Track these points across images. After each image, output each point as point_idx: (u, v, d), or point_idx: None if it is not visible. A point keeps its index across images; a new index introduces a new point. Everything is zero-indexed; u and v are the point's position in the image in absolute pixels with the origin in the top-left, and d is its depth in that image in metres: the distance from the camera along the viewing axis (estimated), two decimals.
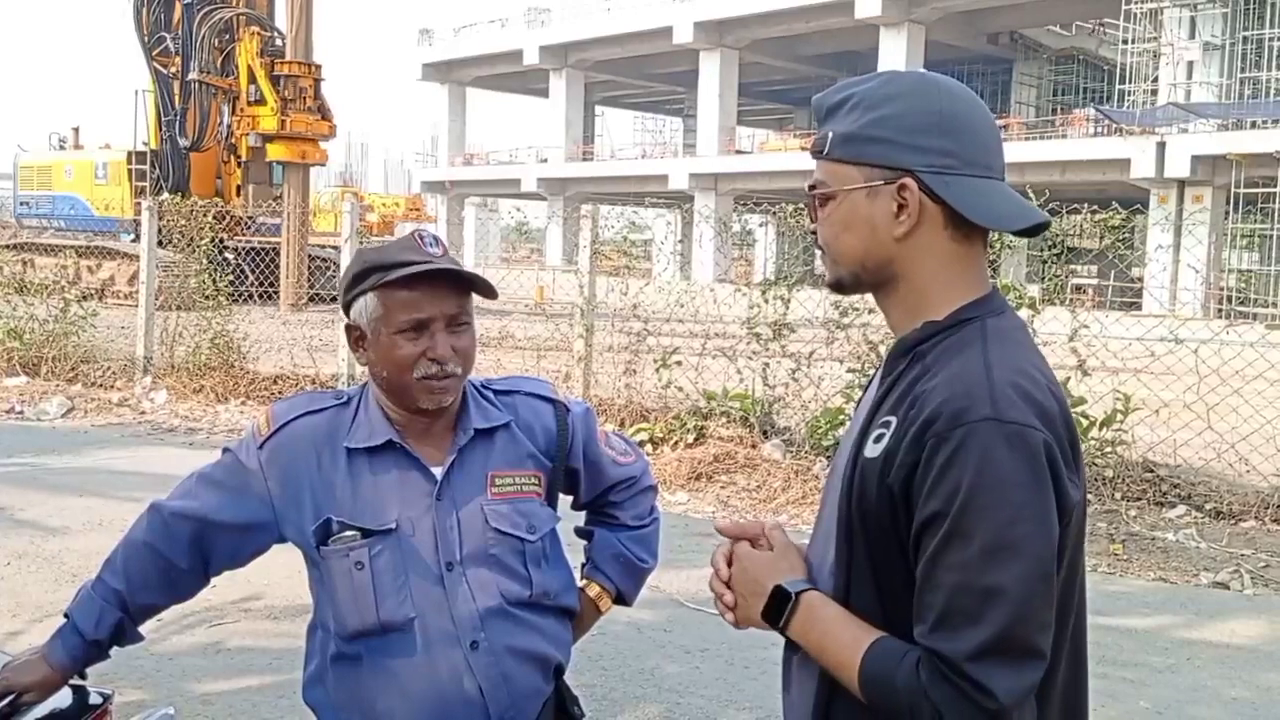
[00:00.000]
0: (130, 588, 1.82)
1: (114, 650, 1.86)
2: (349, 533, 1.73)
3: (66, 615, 1.82)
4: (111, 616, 1.81)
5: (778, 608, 1.38)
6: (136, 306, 11.62)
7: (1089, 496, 6.93)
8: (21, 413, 9.83)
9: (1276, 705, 4.23)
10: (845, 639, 1.32)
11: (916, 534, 1.27)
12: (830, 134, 1.39)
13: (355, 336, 1.79)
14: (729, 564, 1.47)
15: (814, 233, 1.45)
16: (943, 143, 1.35)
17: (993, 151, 1.39)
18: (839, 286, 1.46)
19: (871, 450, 1.33)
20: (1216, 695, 4.29)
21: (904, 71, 1.46)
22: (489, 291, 1.81)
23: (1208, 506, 6.91)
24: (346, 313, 1.80)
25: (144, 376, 10.99)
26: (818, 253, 1.46)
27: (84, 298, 12.57)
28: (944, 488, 1.23)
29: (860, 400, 1.55)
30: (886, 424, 1.33)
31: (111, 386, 10.98)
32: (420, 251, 1.74)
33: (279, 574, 5.14)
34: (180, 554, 1.82)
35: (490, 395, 1.87)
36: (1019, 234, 1.41)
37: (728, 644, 4.61)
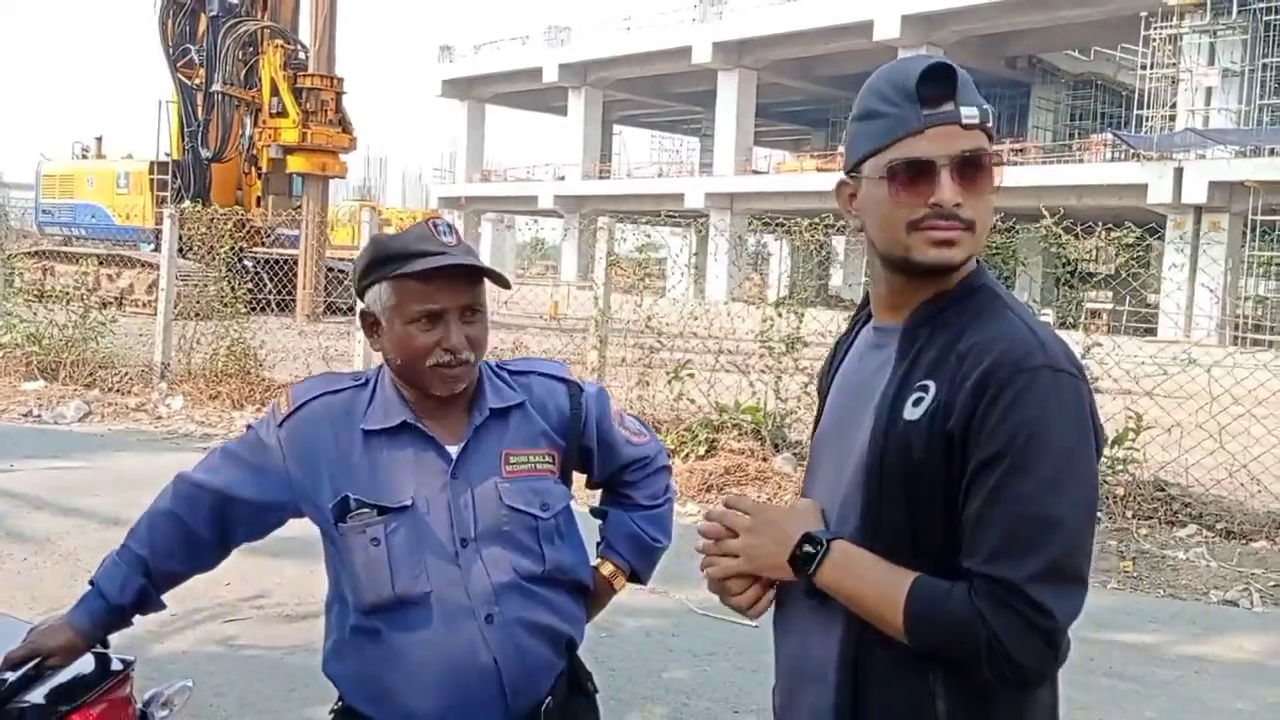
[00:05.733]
0: (154, 555, 1.87)
1: (136, 618, 1.91)
2: (366, 510, 1.77)
3: (92, 582, 1.88)
4: (135, 583, 1.86)
5: (806, 555, 1.42)
6: (154, 315, 11.72)
7: (1099, 515, 6.98)
8: (39, 416, 9.92)
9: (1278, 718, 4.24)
10: (885, 581, 1.37)
11: (973, 473, 1.33)
12: (989, 110, 1.43)
13: (370, 323, 1.83)
14: (749, 514, 1.49)
15: (958, 206, 1.41)
16: None
17: None
18: (957, 266, 1.45)
19: (912, 413, 1.39)
20: (1220, 707, 4.30)
21: None
22: (502, 281, 1.86)
23: (1219, 526, 6.90)
24: (360, 298, 1.84)
25: (161, 382, 11.09)
26: (936, 237, 1.40)
27: (103, 305, 12.67)
28: (1006, 428, 1.31)
29: (836, 365, 1.61)
30: (925, 387, 1.39)
31: (129, 392, 11.07)
32: (434, 241, 1.77)
33: (289, 573, 5.20)
34: (202, 524, 1.88)
35: (505, 376, 1.92)
36: None
37: (735, 648, 4.64)
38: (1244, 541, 6.72)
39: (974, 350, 1.36)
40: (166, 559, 1.88)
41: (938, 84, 1.40)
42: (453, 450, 1.82)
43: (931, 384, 1.39)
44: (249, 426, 1.94)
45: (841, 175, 1.53)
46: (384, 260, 1.78)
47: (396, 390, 1.85)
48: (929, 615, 1.32)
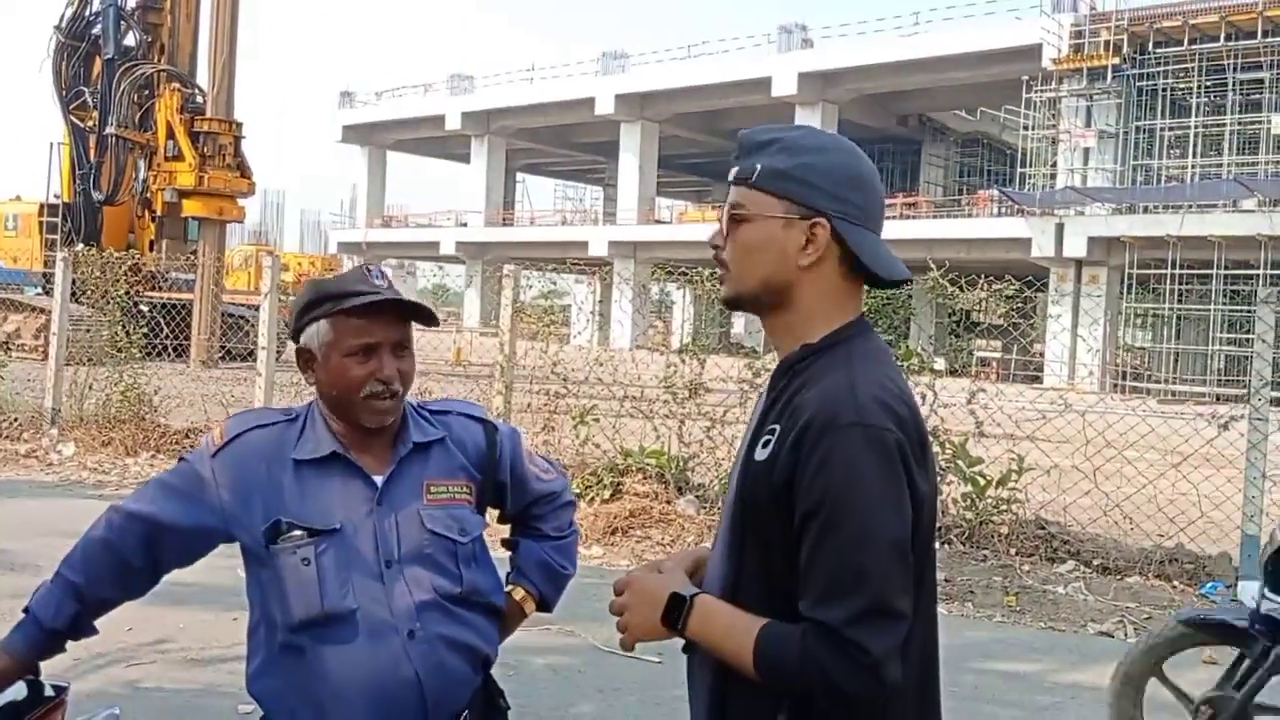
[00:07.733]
0: (87, 581, 1.95)
1: (69, 644, 1.98)
2: (297, 532, 1.90)
3: (26, 610, 1.95)
4: (69, 608, 1.94)
5: (675, 612, 1.57)
6: (42, 360, 11.45)
7: (985, 552, 7.29)
8: None
9: None
10: (738, 628, 1.52)
11: (799, 523, 1.48)
12: (759, 166, 1.59)
13: (305, 359, 1.97)
14: (624, 591, 1.66)
15: (716, 248, 1.64)
16: (855, 197, 1.59)
17: (882, 214, 1.66)
18: (735, 302, 1.66)
19: (760, 454, 1.54)
20: None
21: (821, 129, 1.73)
22: (431, 319, 2.02)
23: (1095, 562, 7.27)
24: (296, 338, 1.98)
25: (51, 429, 10.83)
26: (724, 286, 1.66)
27: None
28: (819, 483, 1.45)
29: (750, 419, 1.76)
30: (772, 431, 1.55)
31: (18, 439, 10.79)
32: (368, 283, 1.94)
33: (191, 618, 5.19)
34: (133, 552, 1.97)
35: (426, 414, 2.07)
36: (886, 285, 1.64)
37: (638, 683, 4.77)
38: (1119, 577, 7.09)
39: (801, 405, 1.51)
40: (99, 586, 1.96)
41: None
42: (378, 479, 1.96)
43: (777, 428, 1.54)
44: (181, 458, 2.04)
45: None
46: (322, 299, 1.94)
47: (326, 424, 1.98)
48: (772, 658, 1.47)
